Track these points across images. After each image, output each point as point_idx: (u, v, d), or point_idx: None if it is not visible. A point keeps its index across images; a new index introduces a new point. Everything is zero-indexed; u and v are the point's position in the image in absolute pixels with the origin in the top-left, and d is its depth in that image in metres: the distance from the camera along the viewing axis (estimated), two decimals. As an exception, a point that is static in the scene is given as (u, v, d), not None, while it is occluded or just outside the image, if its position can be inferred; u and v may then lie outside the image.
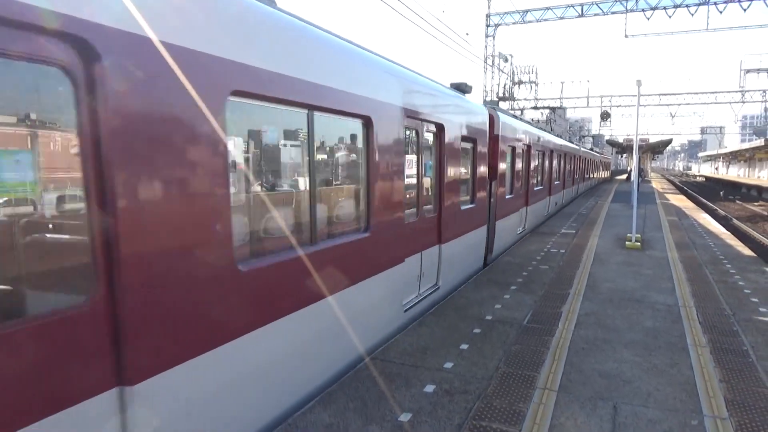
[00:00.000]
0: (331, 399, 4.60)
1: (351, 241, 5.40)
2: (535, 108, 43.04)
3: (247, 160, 4.30)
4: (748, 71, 41.53)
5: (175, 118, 3.22)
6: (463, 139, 8.80)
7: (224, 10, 3.68)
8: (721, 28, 32.01)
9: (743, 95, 41.34)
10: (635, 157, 13.90)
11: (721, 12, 29.16)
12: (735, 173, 72.54)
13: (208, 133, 3.44)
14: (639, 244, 12.54)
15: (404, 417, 4.31)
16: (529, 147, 14.70)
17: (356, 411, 4.40)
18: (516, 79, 43.18)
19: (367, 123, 5.54)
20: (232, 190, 3.73)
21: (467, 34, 33.61)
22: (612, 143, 68.46)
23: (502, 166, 11.69)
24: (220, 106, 3.51)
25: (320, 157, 5.15)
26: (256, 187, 4.53)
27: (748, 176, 63.96)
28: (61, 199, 2.96)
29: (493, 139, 10.85)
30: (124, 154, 2.88)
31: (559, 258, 11.11)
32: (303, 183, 4.80)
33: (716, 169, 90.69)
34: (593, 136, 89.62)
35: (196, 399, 3.42)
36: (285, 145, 4.77)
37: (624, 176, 66.13)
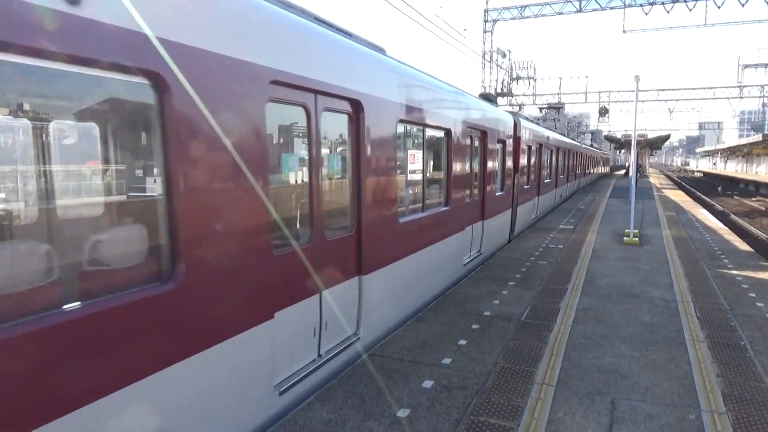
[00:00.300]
0: (329, 395, 4.60)
1: (440, 211, 8.06)
2: (542, 109, 43.12)
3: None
4: (746, 66, 41.50)
5: None
6: (498, 141, 11.55)
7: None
8: (719, 23, 32.08)
9: (741, 91, 41.39)
10: (633, 152, 13.90)
11: (719, 7, 29.13)
12: (733, 169, 72.61)
13: None
14: (637, 239, 12.56)
15: (402, 413, 4.31)
16: (540, 146, 17.11)
17: (354, 407, 4.41)
18: (514, 75, 43.10)
19: (448, 134, 8.28)
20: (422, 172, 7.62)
21: (465, 29, 33.55)
22: (610, 139, 68.52)
23: (522, 162, 14.07)
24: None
25: (432, 155, 8.12)
26: (415, 175, 7.53)
27: (746, 172, 64.04)
28: None
29: (516, 140, 13.35)
30: None
31: (558, 253, 11.12)
32: (424, 172, 7.71)
33: (714, 164, 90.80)
34: (591, 132, 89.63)
35: (401, 280, 6.60)
36: (415, 144, 7.56)
37: (622, 171, 66.22)
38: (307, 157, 4.73)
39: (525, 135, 14.23)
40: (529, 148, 15.15)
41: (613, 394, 4.67)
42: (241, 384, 3.87)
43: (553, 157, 20.64)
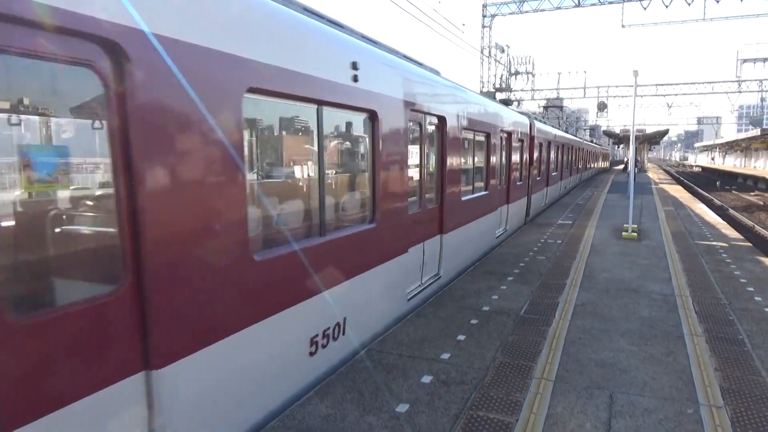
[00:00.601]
0: (328, 390, 4.61)
1: (481, 195, 10.36)
2: (546, 107, 43.16)
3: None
4: (744, 61, 41.49)
5: None
6: (518, 140, 13.95)
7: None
8: (717, 17, 31.96)
9: (740, 85, 41.38)
10: (632, 147, 13.90)
11: (717, 1, 29.08)
12: (731, 163, 72.66)
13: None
14: (635, 234, 12.57)
15: (401, 408, 4.32)
16: (549, 143, 19.58)
17: (353, 402, 4.41)
18: (513, 70, 43.04)
19: (488, 136, 10.60)
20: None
21: (463, 24, 33.44)
22: (609, 134, 68.44)
23: (535, 157, 16.58)
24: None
25: (477, 152, 10.18)
26: (469, 167, 9.74)
27: (744, 166, 64.08)
28: None
29: (531, 139, 15.72)
30: None
31: (556, 248, 11.12)
32: (473, 165, 9.99)
33: (712, 159, 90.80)
34: (590, 127, 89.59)
35: (462, 241, 9.00)
36: (468, 145, 9.62)
37: (621, 166, 66.23)
38: (419, 155, 7.39)
39: (537, 134, 16.79)
40: (540, 145, 17.52)
41: (611, 389, 4.68)
42: (393, 290, 6.47)
43: (559, 153, 23.01)
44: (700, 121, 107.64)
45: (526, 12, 35.00)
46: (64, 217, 3.51)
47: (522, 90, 44.00)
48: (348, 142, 6.00)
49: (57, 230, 3.53)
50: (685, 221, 15.60)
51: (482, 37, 37.75)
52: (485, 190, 10.58)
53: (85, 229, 3.57)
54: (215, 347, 3.51)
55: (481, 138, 10.26)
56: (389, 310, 6.34)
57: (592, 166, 47.61)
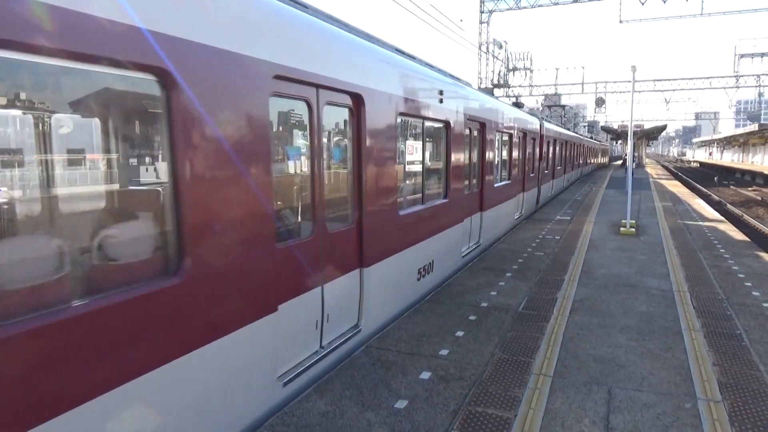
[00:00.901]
0: (327, 387, 4.61)
1: (506, 183, 12.76)
2: (550, 107, 43.29)
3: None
4: (742, 56, 41.43)
5: None
6: (531, 138, 16.07)
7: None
8: (715, 12, 31.97)
9: (737, 80, 41.36)
10: (630, 143, 13.91)
11: (715, -4, 29.02)
12: (729, 159, 72.71)
13: None
14: (633, 230, 12.58)
15: (400, 404, 4.32)
16: (555, 140, 21.96)
17: (352, 398, 4.42)
18: (511, 66, 42.98)
19: (510, 137, 12.89)
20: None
21: (461, 20, 33.28)
22: (607, 130, 68.47)
23: (544, 153, 19.07)
24: None
25: (504, 149, 12.63)
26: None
27: (742, 161, 64.14)
28: None
29: (540, 137, 18.06)
30: None
31: (554, 244, 11.13)
32: (496, 158, 11.93)
33: (710, 154, 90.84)
34: (588, 123, 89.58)
35: (494, 219, 11.36)
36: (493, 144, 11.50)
37: (620, 162, 66.32)
38: (469, 152, 9.69)
39: (547, 133, 19.49)
40: (548, 142, 20.05)
41: (609, 384, 4.69)
42: (455, 247, 8.87)
43: (564, 149, 25.95)
44: (698, 116, 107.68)
45: (524, 8, 34.96)
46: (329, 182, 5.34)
47: (520, 86, 43.93)
48: (432, 144, 8.09)
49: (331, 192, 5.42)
50: (683, 216, 15.62)
51: (480, 33, 37.70)
52: (508, 180, 13.20)
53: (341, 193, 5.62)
54: (388, 260, 6.20)
55: (505, 138, 12.84)
56: (452, 261, 8.69)
57: (592, 161, 50.83)
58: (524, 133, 15.05)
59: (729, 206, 28.14)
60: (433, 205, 7.74)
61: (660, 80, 43.96)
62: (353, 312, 5.61)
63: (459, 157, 8.68)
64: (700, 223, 14.36)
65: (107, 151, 3.57)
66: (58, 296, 2.76)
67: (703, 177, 55.39)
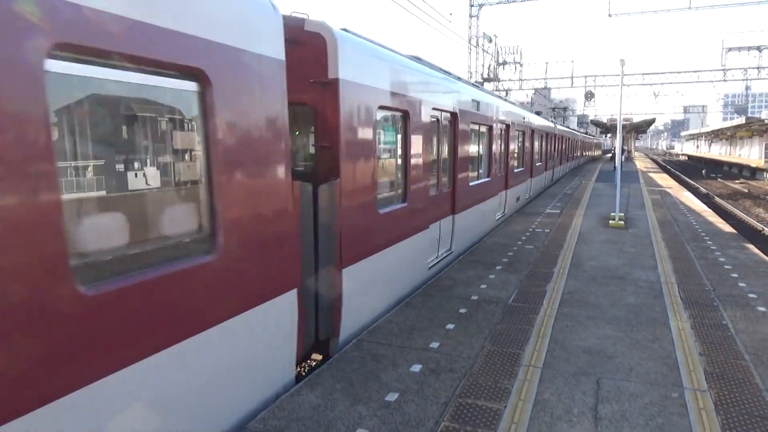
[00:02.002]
0: (318, 380, 4.63)
1: (521, 170, 16.03)
2: (554, 108, 44.00)
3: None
4: (729, 50, 41.70)
5: None
6: (539, 135, 19.79)
7: None
8: (703, 6, 32.15)
9: (725, 74, 41.65)
10: (619, 136, 13.99)
11: (703, -10, 29.19)
12: (717, 152, 73.33)
13: None
14: (622, 222, 12.68)
15: (391, 397, 4.35)
16: (555, 137, 25.36)
17: (343, 392, 4.44)
18: (500, 60, 43.03)
19: (523, 132, 16.29)
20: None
21: (450, 14, 33.26)
22: (596, 123, 68.80)
23: (549, 146, 23.09)
24: None
25: (520, 143, 15.92)
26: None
27: (730, 154, 64.72)
28: None
29: (553, 136, 22.50)
30: None
31: (544, 237, 11.20)
32: (514, 151, 15.05)
33: (697, 147, 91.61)
34: (578, 117, 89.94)
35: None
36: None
37: (609, 155, 66.78)
38: (507, 146, 13.15)
39: (548, 130, 22.66)
40: (554, 137, 24.46)
41: (598, 375, 4.74)
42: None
43: (563, 144, 29.80)
44: (686, 109, 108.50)
45: (514, 1, 34.96)
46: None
47: (510, 80, 44.03)
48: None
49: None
50: (672, 209, 15.76)
51: (470, 27, 37.68)
52: (521, 167, 16.24)
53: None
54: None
55: (518, 134, 15.67)
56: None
57: (587, 153, 56.92)
58: (532, 131, 17.01)
59: (717, 199, 28.42)
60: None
61: (649, 74, 44.21)
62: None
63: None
64: (688, 215, 14.50)
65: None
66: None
67: (691, 170, 55.87)
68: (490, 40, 40.11)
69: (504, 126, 13.42)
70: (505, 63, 43.39)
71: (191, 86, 3.42)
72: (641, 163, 50.97)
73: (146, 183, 3.45)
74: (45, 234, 2.54)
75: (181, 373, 3.39)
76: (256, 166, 3.95)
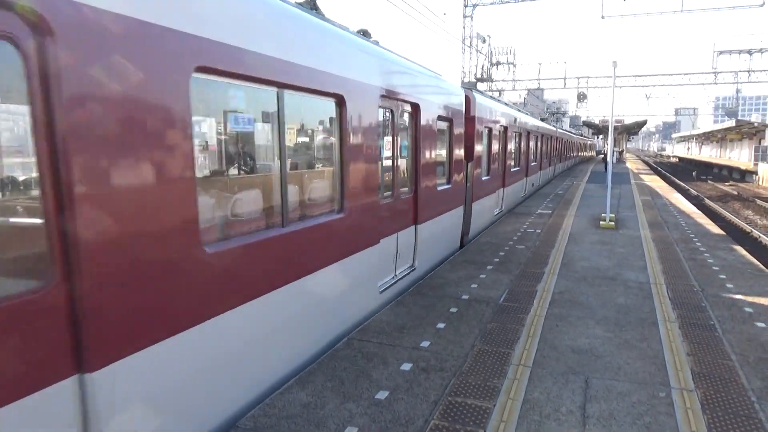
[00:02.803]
0: (308, 379, 4.63)
1: (517, 169, 17.13)
2: (554, 113, 45.56)
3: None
4: (720, 53, 42.06)
5: None
6: (535, 136, 21.18)
7: None
8: (695, 9, 32.40)
9: (716, 76, 41.98)
10: (610, 137, 14.08)
11: (695, -7, 29.38)
12: (708, 154, 73.96)
13: None
14: (613, 223, 12.76)
15: (381, 395, 4.37)
16: (551, 137, 27.38)
17: (334, 390, 4.45)
18: (494, 60, 43.14)
19: (528, 135, 19.10)
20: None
21: (444, 14, 33.35)
22: (588, 124, 69.17)
23: (549, 147, 26.32)
24: None
25: (518, 144, 17.83)
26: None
27: (720, 157, 65.26)
28: None
29: (552, 137, 25.68)
30: None
31: (535, 238, 11.25)
32: (511, 152, 16.03)
33: (688, 149, 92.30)
34: (570, 118, 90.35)
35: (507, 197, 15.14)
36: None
37: (600, 156, 67.22)
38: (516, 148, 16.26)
39: (546, 132, 24.34)
40: (555, 140, 27.43)
41: (587, 374, 4.78)
42: (519, 195, 16.85)
43: (560, 145, 32.36)
44: (677, 111, 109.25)
45: (507, 2, 35.05)
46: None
47: (503, 80, 44.15)
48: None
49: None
50: (662, 210, 15.88)
51: (463, 27, 37.74)
52: (518, 167, 17.28)
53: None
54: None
55: (523, 136, 18.04)
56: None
57: (581, 154, 60.68)
58: (541, 135, 21.58)
59: (706, 200, 28.65)
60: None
61: (640, 76, 44.45)
62: None
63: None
64: (678, 216, 14.62)
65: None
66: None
67: (681, 172, 56.28)
68: (484, 41, 40.21)
69: (489, 127, 12.40)
70: (498, 63, 43.51)
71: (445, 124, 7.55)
72: (632, 165, 51.28)
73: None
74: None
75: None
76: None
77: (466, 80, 36.88)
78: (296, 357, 4.94)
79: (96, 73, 2.75)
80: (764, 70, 39.22)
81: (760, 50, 38.97)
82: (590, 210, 15.79)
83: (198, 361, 3.62)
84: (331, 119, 5.61)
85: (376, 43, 7.03)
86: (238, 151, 5.11)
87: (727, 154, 62.65)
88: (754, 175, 41.89)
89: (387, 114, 6.79)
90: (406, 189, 7.56)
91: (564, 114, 45.46)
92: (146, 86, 3.08)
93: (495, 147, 13.43)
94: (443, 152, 9.43)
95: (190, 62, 3.39)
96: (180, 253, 3.39)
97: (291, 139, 5.21)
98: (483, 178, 12.24)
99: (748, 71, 40.17)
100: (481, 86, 38.46)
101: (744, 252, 9.89)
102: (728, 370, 4.87)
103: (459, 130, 10.05)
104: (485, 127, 12.11)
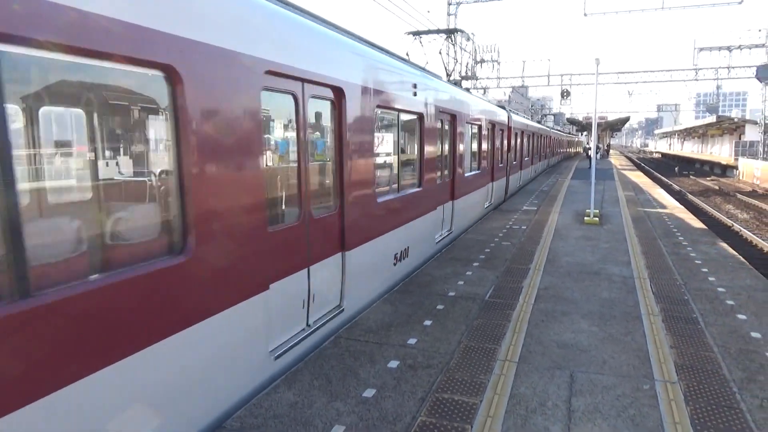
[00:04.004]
0: (295, 378, 4.62)
1: (513, 164, 19.67)
2: (539, 109, 47.44)
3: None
4: (701, 50, 42.55)
5: None
6: (528, 134, 23.86)
7: None
8: (675, 6, 32.77)
9: (696, 73, 42.49)
10: (594, 134, 14.21)
11: (675, -9, 29.73)
12: (689, 149, 74.91)
13: None
14: (597, 219, 12.88)
15: (368, 393, 4.37)
16: (541, 136, 31.04)
17: (321, 389, 4.44)
18: (478, 58, 43.28)
19: (532, 135, 25.77)
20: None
21: (428, 11, 33.47)
22: (572, 121, 69.74)
23: (540, 145, 30.16)
24: None
25: (548, 140, 30.63)
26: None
27: (702, 152, 66.12)
28: None
29: (543, 136, 31.05)
30: None
31: (521, 234, 11.32)
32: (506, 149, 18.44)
33: (669, 145, 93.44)
34: (554, 115, 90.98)
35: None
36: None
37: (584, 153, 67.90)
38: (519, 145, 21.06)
39: (539, 132, 28.73)
40: (547, 138, 30.93)
41: (572, 368, 4.82)
42: (520, 183, 22.33)
43: (548, 142, 35.81)
44: (659, 108, 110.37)
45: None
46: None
47: (488, 78, 44.31)
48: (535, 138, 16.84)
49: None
50: (645, 206, 16.06)
51: (448, 25, 37.79)
52: (515, 161, 20.00)
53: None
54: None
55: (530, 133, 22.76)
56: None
57: (569, 150, 65.79)
58: (541, 136, 25.03)
59: (689, 195, 29.02)
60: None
61: (623, 73, 44.84)
62: None
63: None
64: (661, 211, 14.80)
65: None
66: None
67: (664, 167, 56.92)
68: (468, 38, 40.31)
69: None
70: (482, 61, 43.66)
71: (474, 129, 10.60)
72: (616, 161, 51.79)
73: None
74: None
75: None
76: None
77: (451, 78, 36.94)
78: (512, 191, 19.58)
79: None
80: (743, 67, 39.78)
81: (739, 47, 39.52)
82: (575, 206, 15.93)
83: None
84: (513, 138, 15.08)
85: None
86: None
87: (708, 150, 63.50)
88: (734, 170, 42.52)
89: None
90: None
91: (550, 110, 45.82)
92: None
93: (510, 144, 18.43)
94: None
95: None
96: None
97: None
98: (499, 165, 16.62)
99: (728, 68, 40.71)
100: (465, 84, 38.58)
101: (725, 246, 10.04)
102: (710, 361, 4.94)
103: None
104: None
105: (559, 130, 60.76)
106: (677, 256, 9.18)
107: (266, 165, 4.55)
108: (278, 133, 5.17)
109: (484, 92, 42.69)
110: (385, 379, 4.61)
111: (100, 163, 3.47)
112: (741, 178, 39.49)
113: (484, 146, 14.26)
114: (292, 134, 5.08)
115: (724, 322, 5.97)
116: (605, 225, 12.46)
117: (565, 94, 47.52)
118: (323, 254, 5.55)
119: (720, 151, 57.08)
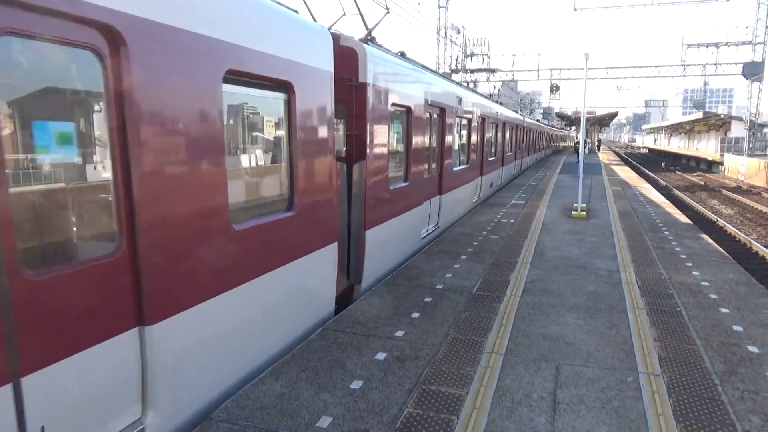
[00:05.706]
0: (282, 369, 4.62)
1: (509, 154, 21.96)
2: (543, 111, 51.75)
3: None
4: (689, 46, 42.86)
5: None
6: (526, 130, 27.51)
7: None
8: (665, 2, 32.94)
9: (684, 69, 42.80)
10: (582, 129, 14.28)
11: (664, -13, 29.88)
12: (676, 145, 75.59)
13: None
14: (584, 213, 12.98)
15: (355, 384, 4.38)
16: (536, 131, 33.45)
17: (308, 380, 4.45)
18: (468, 51, 43.27)
19: (528, 131, 28.95)
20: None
21: (419, 3, 33.34)
22: (561, 116, 70.00)
23: (536, 138, 33.56)
24: None
25: (509, 136, 23.33)
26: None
27: (688, 148, 66.75)
28: None
29: (536, 131, 33.46)
30: None
31: (509, 228, 11.38)
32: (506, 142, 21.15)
33: (655, 140, 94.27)
34: (543, 109, 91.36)
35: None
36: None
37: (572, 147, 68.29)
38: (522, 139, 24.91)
39: (546, 130, 35.37)
40: (542, 133, 33.28)
41: (557, 361, 4.87)
42: (517, 171, 25.33)
43: (543, 136, 39.49)
44: (647, 103, 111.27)
45: (482, -7, 35.11)
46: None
47: (478, 71, 44.31)
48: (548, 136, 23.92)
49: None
50: (632, 200, 16.20)
51: (438, 18, 37.73)
52: (511, 152, 22.04)
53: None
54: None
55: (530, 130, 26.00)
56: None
57: (560, 144, 69.31)
58: (517, 126, 27.12)
59: (675, 191, 29.31)
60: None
61: (612, 68, 45.00)
62: None
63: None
64: (647, 206, 14.94)
65: None
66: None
67: (651, 162, 57.42)
68: (459, 32, 40.29)
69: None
70: (473, 54, 43.65)
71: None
72: (604, 156, 52.13)
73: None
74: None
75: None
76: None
77: (441, 71, 36.91)
78: (511, 178, 23.89)
79: None
80: (730, 63, 40.15)
81: (726, 44, 39.86)
82: (562, 200, 16.03)
83: None
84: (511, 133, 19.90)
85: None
86: None
87: (695, 146, 64.11)
88: (720, 166, 42.99)
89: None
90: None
91: (539, 104, 46.22)
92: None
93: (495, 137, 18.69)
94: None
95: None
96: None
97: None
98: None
99: (715, 64, 41.06)
100: (455, 77, 38.58)
101: (710, 240, 10.17)
102: (693, 354, 5.02)
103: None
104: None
105: (550, 125, 62.41)
106: (662, 250, 9.28)
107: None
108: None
109: (475, 86, 42.69)
110: (372, 371, 4.63)
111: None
112: (726, 174, 39.96)
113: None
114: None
115: (707, 315, 6.06)
116: (592, 219, 12.56)
117: (554, 88, 47.65)
118: (514, 160, 24.76)
119: (706, 147, 57.66)
